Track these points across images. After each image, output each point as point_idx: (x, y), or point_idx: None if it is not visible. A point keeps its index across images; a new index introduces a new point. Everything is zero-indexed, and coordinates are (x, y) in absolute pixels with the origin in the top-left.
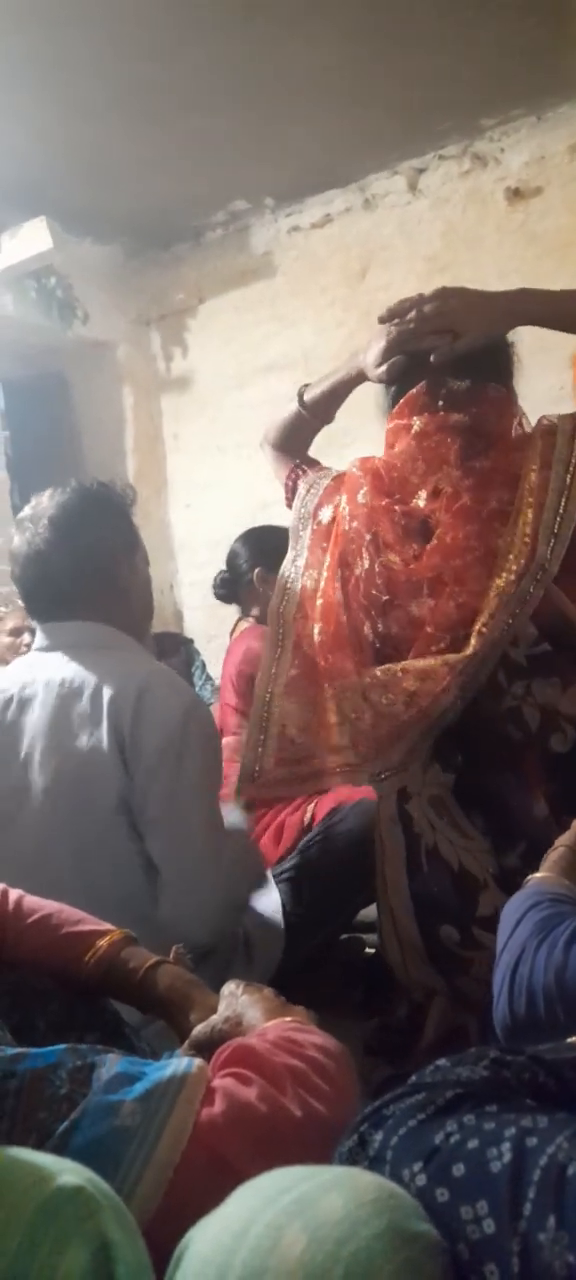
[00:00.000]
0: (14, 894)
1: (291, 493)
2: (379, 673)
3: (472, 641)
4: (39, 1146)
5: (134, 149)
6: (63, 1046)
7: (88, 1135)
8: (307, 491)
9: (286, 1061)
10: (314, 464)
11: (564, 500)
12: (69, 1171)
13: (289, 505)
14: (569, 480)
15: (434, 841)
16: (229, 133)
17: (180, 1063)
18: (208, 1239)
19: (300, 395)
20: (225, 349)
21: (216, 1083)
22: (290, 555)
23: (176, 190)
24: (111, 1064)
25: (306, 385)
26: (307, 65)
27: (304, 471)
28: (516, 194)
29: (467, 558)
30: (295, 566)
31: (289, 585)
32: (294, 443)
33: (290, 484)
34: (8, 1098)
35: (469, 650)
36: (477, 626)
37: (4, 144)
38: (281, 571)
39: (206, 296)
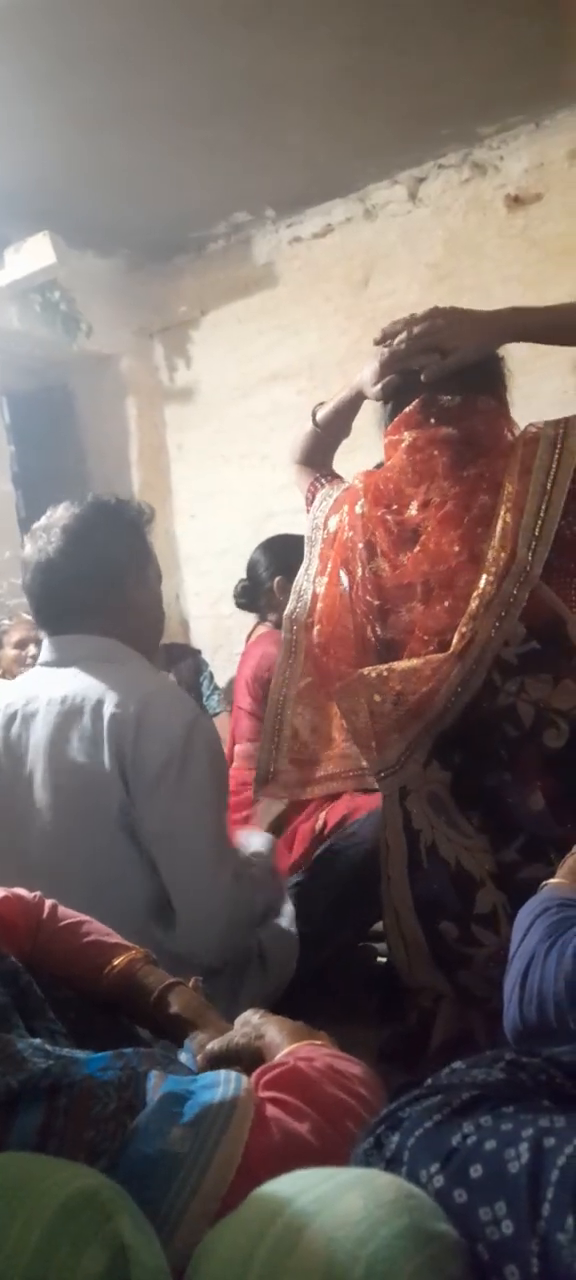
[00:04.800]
0: (49, 902)
1: (310, 504)
2: (368, 673)
3: (454, 641)
4: (88, 1166)
5: (135, 162)
6: (108, 1054)
7: (137, 1160)
8: (321, 503)
9: (336, 1095)
10: (334, 478)
11: (544, 504)
12: (87, 1175)
13: (307, 514)
14: (550, 486)
15: (432, 839)
16: (229, 144)
17: (229, 1084)
18: (225, 1242)
19: (314, 414)
20: (228, 359)
21: (269, 1111)
22: (304, 564)
23: (178, 202)
24: (158, 1081)
25: (320, 404)
26: (307, 76)
27: (321, 484)
28: (516, 201)
29: (452, 562)
30: (307, 575)
31: (302, 592)
32: (313, 457)
33: (309, 496)
34: (57, 1116)
35: (450, 650)
36: (459, 627)
37: (6, 159)
38: (296, 581)
39: (209, 308)
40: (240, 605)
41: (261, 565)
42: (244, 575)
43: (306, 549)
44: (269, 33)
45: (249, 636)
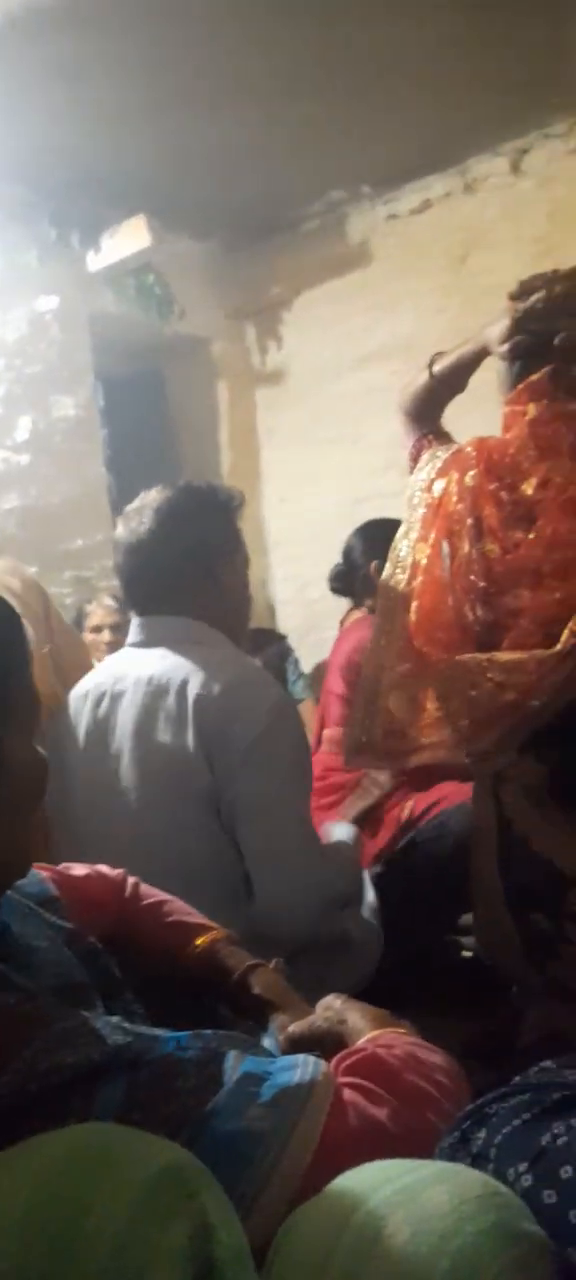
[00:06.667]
0: (132, 879)
1: (414, 462)
2: (466, 660)
3: (564, 637)
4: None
5: (231, 143)
6: (187, 1033)
7: (216, 1136)
8: (428, 462)
9: (417, 1083)
10: (441, 436)
11: None
12: (172, 1150)
13: (411, 473)
14: None
15: (525, 831)
16: (326, 121)
17: (307, 1066)
18: (308, 1228)
19: (431, 364)
20: (321, 341)
21: (347, 1096)
22: (403, 527)
23: (273, 182)
24: (236, 1061)
25: (438, 354)
26: (409, 47)
27: (429, 442)
28: None
29: (569, 552)
30: (407, 539)
31: (400, 558)
32: (424, 411)
33: (414, 453)
34: (139, 1089)
35: (558, 647)
36: (571, 624)
37: (103, 143)
38: (394, 544)
39: (302, 288)
40: (335, 590)
41: (357, 549)
42: (339, 560)
43: (407, 511)
44: (367, 8)
45: (343, 621)
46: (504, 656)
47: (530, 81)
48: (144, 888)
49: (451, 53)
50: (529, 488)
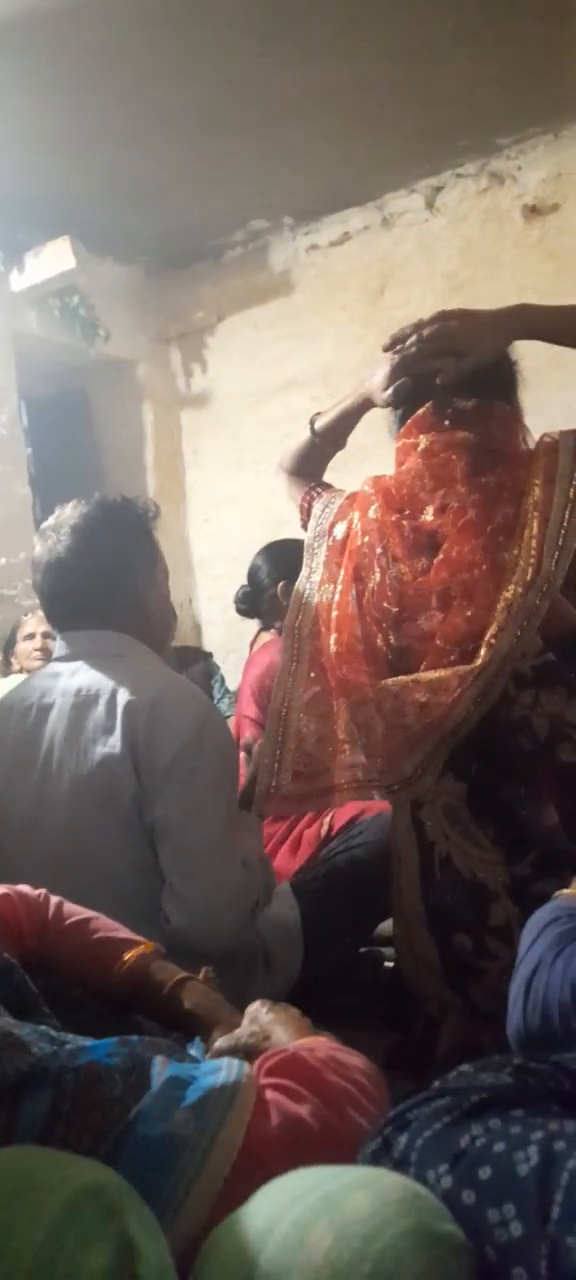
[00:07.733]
0: (54, 899)
1: (306, 514)
2: (390, 684)
3: (482, 653)
4: (93, 1149)
5: (155, 170)
6: (113, 1040)
7: (141, 1142)
8: (323, 510)
9: (337, 1081)
10: (328, 487)
11: (567, 514)
12: (94, 1170)
13: (304, 527)
14: (572, 494)
15: (447, 851)
16: (248, 153)
17: (231, 1069)
18: (233, 1236)
19: (312, 423)
20: (244, 366)
21: (269, 1095)
22: (304, 572)
23: (196, 210)
24: (162, 1066)
25: (318, 414)
26: (325, 86)
27: (318, 493)
28: (533, 211)
29: (474, 572)
30: (310, 582)
31: (304, 600)
32: (308, 468)
33: (305, 505)
34: (64, 1099)
35: (478, 661)
36: (487, 638)
37: (28, 166)
38: (296, 587)
39: (225, 314)
40: (241, 612)
41: (263, 571)
42: (245, 581)
43: (307, 557)
44: (288, 45)
45: (252, 643)
46: (428, 675)
47: (442, 123)
48: (67, 906)
49: (366, 93)
50: (428, 515)
